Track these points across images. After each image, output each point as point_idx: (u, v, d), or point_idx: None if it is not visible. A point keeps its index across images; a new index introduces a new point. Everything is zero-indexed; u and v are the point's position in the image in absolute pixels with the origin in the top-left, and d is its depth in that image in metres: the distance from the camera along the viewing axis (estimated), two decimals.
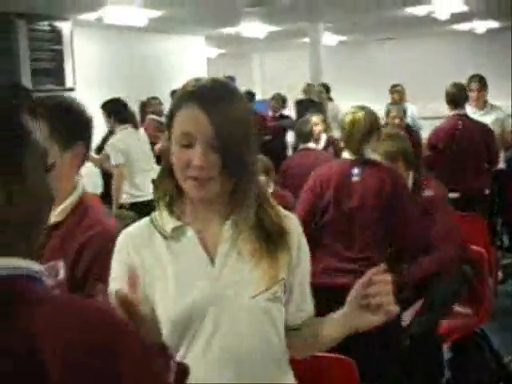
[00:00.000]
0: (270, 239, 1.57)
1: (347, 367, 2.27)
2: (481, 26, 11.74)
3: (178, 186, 1.56)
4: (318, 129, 6.26)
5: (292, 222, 1.64)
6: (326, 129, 6.58)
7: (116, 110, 6.01)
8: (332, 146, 6.64)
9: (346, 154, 3.17)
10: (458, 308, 3.78)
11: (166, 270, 1.56)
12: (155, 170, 5.93)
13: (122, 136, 5.85)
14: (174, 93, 7.43)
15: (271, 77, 15.03)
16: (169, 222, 1.59)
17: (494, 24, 11.60)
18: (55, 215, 1.87)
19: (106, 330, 0.92)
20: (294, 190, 5.71)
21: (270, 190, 5.18)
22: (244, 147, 1.53)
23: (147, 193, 5.40)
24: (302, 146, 6.09)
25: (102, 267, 1.70)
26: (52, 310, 0.92)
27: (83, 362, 0.87)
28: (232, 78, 15.07)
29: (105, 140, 6.27)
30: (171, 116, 1.56)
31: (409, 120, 8.42)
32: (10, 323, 0.89)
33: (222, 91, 1.56)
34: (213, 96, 1.52)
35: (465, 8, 9.48)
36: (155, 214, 1.62)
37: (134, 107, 7.92)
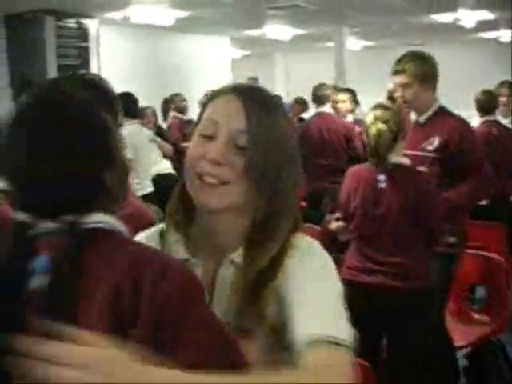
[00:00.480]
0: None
1: (364, 371, 2.28)
2: (506, 34, 11.67)
3: (190, 205, 1.31)
4: (344, 106, 6.29)
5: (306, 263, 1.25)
6: (352, 110, 6.56)
7: (127, 105, 6.09)
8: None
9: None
10: (475, 315, 3.77)
11: None
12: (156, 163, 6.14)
13: (129, 131, 5.93)
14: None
15: (295, 79, 15.05)
16: (176, 251, 1.33)
17: None
18: None
19: (183, 282, 1.05)
20: (314, 154, 5.79)
21: None
22: (279, 157, 1.26)
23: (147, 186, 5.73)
24: (316, 111, 6.17)
25: None
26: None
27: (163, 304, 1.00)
28: (255, 79, 15.15)
29: None
30: (203, 109, 1.32)
31: None
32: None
33: (264, 94, 1.32)
34: (254, 92, 1.31)
35: (491, 16, 9.44)
36: (165, 234, 1.37)
37: (157, 105, 8.00)
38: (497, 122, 5.61)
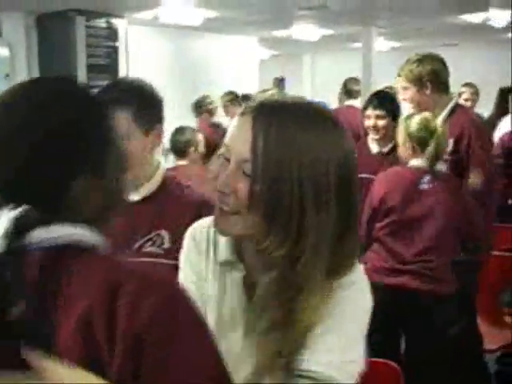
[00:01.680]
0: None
1: (393, 373, 2.26)
2: None
3: None
4: None
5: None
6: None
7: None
8: None
9: (414, 162, 3.15)
10: (506, 318, 3.74)
11: (211, 302, 1.33)
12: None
13: None
14: (245, 97, 7.49)
15: (322, 80, 15.01)
16: (223, 249, 1.33)
17: None
18: (141, 192, 2.02)
19: (166, 303, 0.94)
20: None
21: None
22: (298, 189, 1.11)
23: None
24: (346, 103, 6.11)
25: None
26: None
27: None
28: (282, 80, 15.15)
29: None
30: None
31: None
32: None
33: (293, 107, 1.17)
34: (275, 109, 1.17)
35: None
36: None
37: (182, 105, 8.02)
38: None
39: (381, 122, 3.83)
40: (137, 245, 1.99)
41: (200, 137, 4.88)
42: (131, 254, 1.94)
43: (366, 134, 3.99)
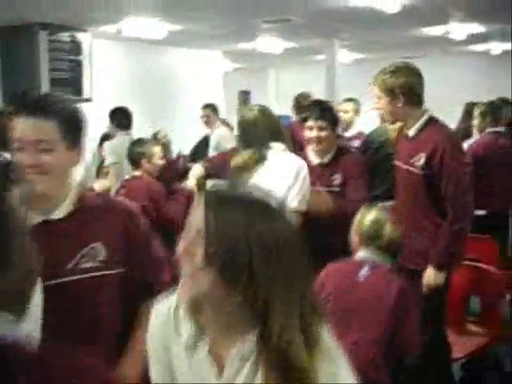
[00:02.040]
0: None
1: None
2: (497, 47, 11.76)
3: None
4: (347, 117, 5.95)
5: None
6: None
7: (121, 118, 6.71)
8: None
9: (360, 253, 2.97)
10: (471, 327, 3.78)
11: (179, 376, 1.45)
12: None
13: (118, 141, 6.36)
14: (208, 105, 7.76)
15: (287, 92, 15.08)
16: (186, 325, 1.44)
17: (509, 46, 11.61)
18: (61, 211, 1.98)
19: None
20: None
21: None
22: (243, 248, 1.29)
23: None
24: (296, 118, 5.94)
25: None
26: None
27: None
28: (247, 93, 15.19)
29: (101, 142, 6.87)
30: None
31: None
32: None
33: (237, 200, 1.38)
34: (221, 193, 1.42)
35: (481, 29, 9.52)
36: (176, 309, 1.47)
37: (147, 119, 8.00)
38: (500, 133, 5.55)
39: (323, 133, 3.83)
40: (72, 263, 1.95)
41: (156, 149, 4.98)
42: (68, 273, 1.93)
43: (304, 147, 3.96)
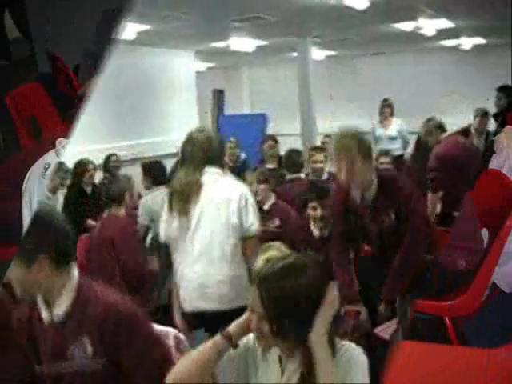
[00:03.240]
0: None
1: None
2: (467, 42, 11.84)
3: None
4: (318, 166, 6.10)
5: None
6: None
7: (157, 173, 5.95)
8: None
9: None
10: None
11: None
12: None
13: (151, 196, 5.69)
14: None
15: (260, 91, 15.09)
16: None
17: (480, 40, 11.71)
18: (60, 309, 2.14)
19: None
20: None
21: (271, 200, 5.18)
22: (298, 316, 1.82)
23: None
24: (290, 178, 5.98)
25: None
26: None
27: None
28: (221, 92, 15.16)
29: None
30: None
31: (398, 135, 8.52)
32: None
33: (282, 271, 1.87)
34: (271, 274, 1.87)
35: (451, 25, 9.58)
36: None
37: (119, 123, 7.93)
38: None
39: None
40: (68, 354, 2.08)
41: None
42: (65, 364, 2.07)
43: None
